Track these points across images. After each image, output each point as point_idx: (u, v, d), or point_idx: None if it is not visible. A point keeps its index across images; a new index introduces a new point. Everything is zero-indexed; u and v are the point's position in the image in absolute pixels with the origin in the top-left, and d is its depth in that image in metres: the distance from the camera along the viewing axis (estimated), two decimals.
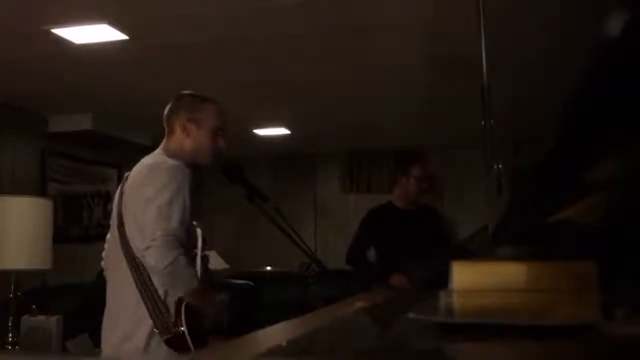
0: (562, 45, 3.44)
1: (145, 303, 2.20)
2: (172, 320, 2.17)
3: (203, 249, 2.42)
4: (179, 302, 2.18)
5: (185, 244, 2.21)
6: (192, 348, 2.15)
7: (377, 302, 1.44)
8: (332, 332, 0.91)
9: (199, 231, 2.37)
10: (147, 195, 2.21)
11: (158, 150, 2.41)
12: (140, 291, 2.20)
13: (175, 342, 2.16)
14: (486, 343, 0.67)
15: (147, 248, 2.14)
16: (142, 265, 2.19)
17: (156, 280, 2.20)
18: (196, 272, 2.23)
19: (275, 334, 0.89)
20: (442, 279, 0.97)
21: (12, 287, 3.30)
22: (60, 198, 5.46)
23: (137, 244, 2.18)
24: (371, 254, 4.21)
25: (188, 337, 2.15)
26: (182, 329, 2.15)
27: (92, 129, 5.30)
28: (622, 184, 0.64)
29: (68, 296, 4.57)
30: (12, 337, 3.24)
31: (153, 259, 2.13)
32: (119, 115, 5.44)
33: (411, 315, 0.76)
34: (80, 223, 5.74)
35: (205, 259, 2.39)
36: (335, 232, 6.98)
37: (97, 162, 5.99)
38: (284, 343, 0.76)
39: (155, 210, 2.16)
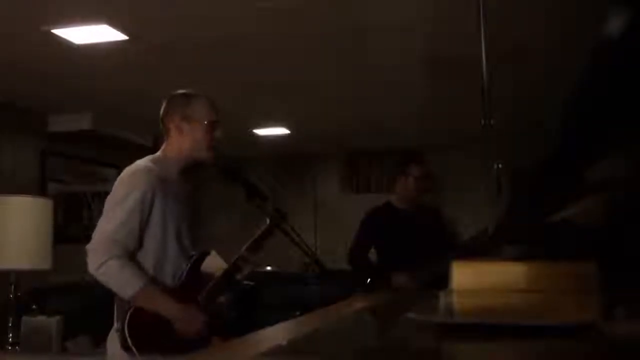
0: (562, 45, 3.45)
1: (116, 304, 2.23)
2: (120, 325, 2.17)
3: (201, 253, 2.41)
4: (128, 305, 2.17)
5: (132, 247, 2.20)
6: (134, 351, 2.12)
7: (377, 302, 1.45)
8: (332, 332, 0.91)
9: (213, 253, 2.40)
10: (108, 199, 2.29)
11: (155, 154, 2.42)
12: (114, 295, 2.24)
13: (124, 347, 2.15)
14: (486, 343, 0.67)
15: (88, 251, 2.19)
16: None
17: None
18: (142, 274, 2.18)
19: (275, 334, 0.89)
20: (442, 280, 0.97)
21: (12, 287, 3.29)
22: (60, 198, 5.46)
23: None
24: (372, 254, 4.21)
25: (129, 343, 2.13)
26: (125, 333, 2.13)
27: (92, 128, 5.30)
28: (622, 184, 0.64)
29: (68, 296, 4.57)
30: (12, 337, 3.24)
31: (88, 261, 2.17)
32: (118, 115, 5.44)
33: (411, 315, 0.76)
34: (80, 223, 5.74)
35: (197, 260, 2.37)
36: (335, 232, 6.97)
37: (97, 162, 5.99)
38: (284, 343, 0.76)
39: (103, 214, 2.23)
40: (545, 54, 3.75)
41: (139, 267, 2.21)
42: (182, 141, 2.36)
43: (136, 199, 2.20)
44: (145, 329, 2.17)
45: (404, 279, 3.85)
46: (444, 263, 1.04)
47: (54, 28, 3.40)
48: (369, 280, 4.10)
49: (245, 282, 5.64)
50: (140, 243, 2.23)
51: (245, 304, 5.35)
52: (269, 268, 6.71)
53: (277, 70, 4.27)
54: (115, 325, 2.23)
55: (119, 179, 2.30)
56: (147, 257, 2.25)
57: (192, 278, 2.33)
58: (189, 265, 2.33)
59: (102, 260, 2.12)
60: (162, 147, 2.42)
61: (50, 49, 3.70)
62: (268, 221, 2.46)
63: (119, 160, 6.16)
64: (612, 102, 0.46)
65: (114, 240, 2.15)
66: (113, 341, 2.24)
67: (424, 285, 3.66)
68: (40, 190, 5.24)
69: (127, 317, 2.14)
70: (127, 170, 2.30)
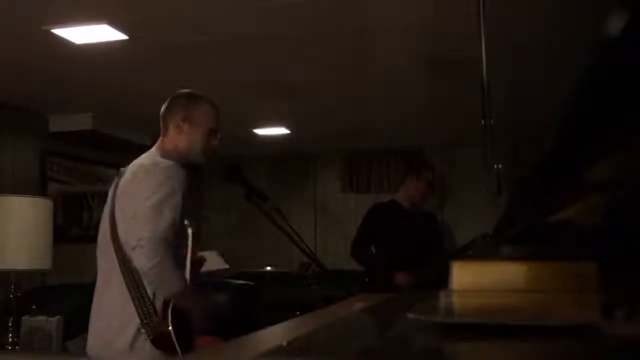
0: (563, 45, 3.45)
1: (134, 302, 2.21)
2: (159, 320, 2.17)
3: (195, 250, 2.42)
4: (167, 302, 2.19)
5: (175, 246, 2.22)
6: (177, 349, 2.15)
7: (377, 302, 1.45)
8: (332, 332, 0.91)
9: (189, 231, 2.37)
10: (140, 195, 2.22)
11: (153, 150, 2.41)
12: (130, 290, 2.21)
13: (161, 343, 2.16)
14: (486, 343, 0.67)
15: (134, 248, 2.15)
16: (134, 265, 2.19)
17: (145, 281, 2.21)
18: (183, 274, 2.23)
19: (275, 334, 0.89)
20: (442, 281, 0.97)
21: (12, 287, 3.29)
22: (60, 198, 5.46)
23: (127, 243, 2.19)
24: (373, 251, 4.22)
25: (174, 337, 2.15)
26: (169, 329, 2.16)
27: (92, 128, 5.30)
28: (622, 184, 0.64)
29: (68, 296, 4.56)
30: (12, 337, 3.24)
31: (139, 259, 2.15)
32: (119, 115, 5.44)
33: (411, 315, 0.76)
34: (80, 223, 5.74)
35: (197, 260, 2.39)
36: (335, 232, 6.98)
37: (97, 162, 5.99)
38: (284, 343, 0.75)
39: (146, 211, 2.18)
40: (546, 54, 3.75)
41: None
42: (179, 140, 2.37)
43: (180, 198, 2.23)
44: (182, 325, 2.22)
45: (407, 278, 3.86)
46: (443, 265, 1.04)
47: (54, 28, 3.40)
48: (367, 279, 4.11)
49: (245, 282, 5.64)
50: None
51: (245, 304, 5.35)
52: (269, 268, 6.70)
53: (277, 70, 4.27)
54: (120, 324, 2.22)
55: (151, 174, 2.25)
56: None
57: (198, 277, 2.37)
58: (196, 265, 2.36)
59: (157, 259, 2.13)
60: (157, 144, 2.42)
61: (50, 49, 3.70)
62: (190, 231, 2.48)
63: (119, 160, 6.16)
64: (612, 102, 0.46)
65: (164, 239, 2.16)
66: (115, 341, 2.23)
67: (424, 286, 3.67)
68: (40, 190, 5.24)
69: (170, 313, 2.18)
70: (159, 166, 2.27)
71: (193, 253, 2.38)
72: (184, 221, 2.30)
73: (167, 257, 2.14)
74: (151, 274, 2.15)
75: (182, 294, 2.20)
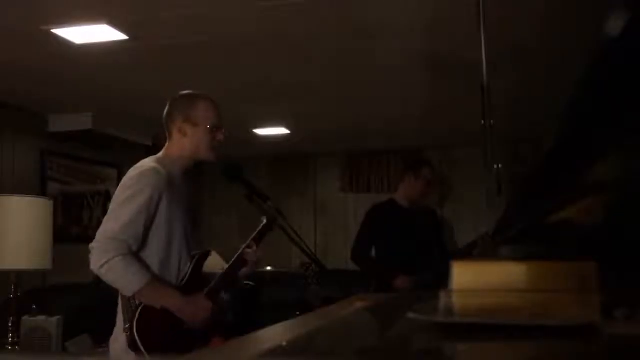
0: (563, 45, 3.45)
1: (122, 304, 2.23)
2: (129, 322, 2.18)
3: (203, 253, 2.41)
4: (137, 306, 2.18)
5: (136, 246, 2.21)
6: (142, 351, 2.13)
7: (377, 302, 1.45)
8: (332, 332, 0.91)
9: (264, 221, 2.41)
10: (113, 197, 2.29)
11: (157, 155, 2.41)
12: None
13: (132, 347, 2.16)
14: (486, 343, 0.67)
15: (91, 249, 2.19)
16: None
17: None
18: (142, 271, 2.18)
19: (275, 334, 0.89)
20: (442, 283, 0.97)
21: (12, 287, 3.29)
22: (60, 198, 5.46)
23: None
24: (373, 252, 4.22)
25: (139, 343, 2.14)
26: (134, 332, 2.15)
27: (92, 128, 5.30)
28: (622, 184, 0.64)
29: (68, 296, 4.56)
30: (12, 337, 3.24)
31: (91, 261, 2.17)
32: (118, 115, 5.43)
33: (411, 315, 0.76)
34: (80, 223, 5.74)
35: (199, 259, 2.38)
36: (335, 232, 6.98)
37: (97, 162, 5.98)
38: (284, 343, 0.76)
39: (109, 213, 2.24)
40: (545, 54, 3.75)
41: (144, 264, 2.21)
42: (185, 143, 2.37)
43: (144, 200, 2.21)
44: (154, 328, 2.19)
45: (407, 281, 3.86)
46: (443, 267, 1.04)
47: (54, 28, 3.40)
48: (368, 280, 4.11)
49: (245, 282, 5.64)
50: (144, 243, 2.23)
51: (245, 304, 5.35)
52: (269, 268, 6.70)
53: (277, 70, 4.27)
54: (122, 325, 2.23)
55: (126, 178, 2.29)
56: (152, 258, 2.26)
57: (195, 278, 2.34)
58: (192, 265, 2.34)
59: (107, 258, 2.13)
60: (165, 148, 2.43)
61: (50, 49, 3.70)
62: (265, 220, 2.47)
63: (119, 160, 6.18)
64: (612, 102, 0.46)
65: (119, 240, 2.16)
66: (117, 342, 2.25)
67: (424, 287, 3.67)
68: (40, 190, 5.24)
69: (136, 316, 2.15)
70: (135, 170, 2.29)
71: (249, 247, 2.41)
72: (172, 220, 2.28)
73: (119, 256, 2.14)
74: (103, 272, 2.16)
75: (145, 291, 2.17)
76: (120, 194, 2.25)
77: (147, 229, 2.23)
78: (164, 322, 2.20)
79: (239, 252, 2.44)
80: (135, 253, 2.21)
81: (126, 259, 2.15)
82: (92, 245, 2.18)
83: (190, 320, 2.24)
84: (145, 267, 2.22)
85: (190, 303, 2.26)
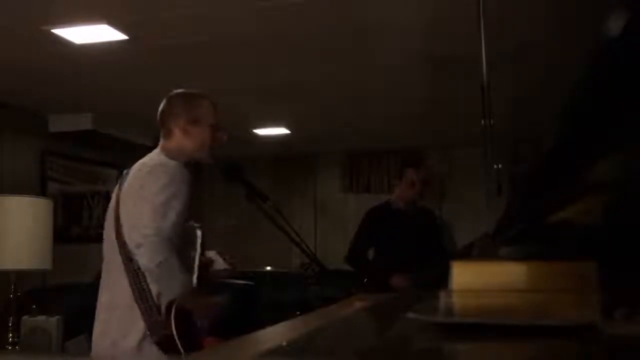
0: (562, 45, 3.45)
1: (139, 304, 2.20)
2: (163, 322, 2.17)
3: (202, 252, 2.41)
4: (170, 304, 2.18)
5: (178, 246, 2.22)
6: (181, 351, 2.14)
7: (377, 302, 1.45)
8: (332, 332, 0.91)
9: (198, 233, 2.37)
10: (145, 194, 2.20)
11: (157, 151, 2.40)
12: (134, 291, 2.20)
13: (164, 344, 2.16)
14: (486, 343, 0.67)
15: (139, 246, 2.13)
16: (138, 265, 2.18)
17: (150, 281, 2.20)
18: (190, 275, 2.22)
19: (275, 334, 0.89)
20: (441, 282, 0.97)
21: (12, 287, 3.29)
22: (60, 198, 5.46)
23: (132, 242, 2.18)
24: (371, 254, 4.21)
25: (177, 339, 2.14)
26: (173, 331, 2.15)
27: (92, 128, 5.30)
28: (622, 184, 0.64)
29: (68, 296, 4.56)
30: (12, 337, 3.24)
31: (144, 257, 2.13)
32: (119, 115, 5.44)
33: (411, 315, 0.76)
34: (80, 223, 5.74)
35: (205, 262, 2.38)
36: (335, 232, 6.98)
37: (97, 162, 5.99)
38: (284, 343, 0.76)
39: (151, 209, 2.16)
40: (545, 54, 3.75)
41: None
42: (186, 142, 2.37)
43: (186, 198, 2.22)
44: (185, 325, 2.20)
45: (404, 280, 3.86)
46: (440, 266, 1.04)
47: (54, 28, 3.40)
48: (365, 280, 4.11)
49: (245, 282, 5.64)
50: None
51: (245, 304, 5.35)
52: (269, 268, 6.70)
53: (277, 70, 4.27)
54: (130, 326, 2.21)
55: (156, 171, 2.24)
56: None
57: (202, 278, 2.36)
58: (203, 266, 2.36)
59: (163, 257, 2.12)
60: (161, 145, 2.41)
61: (50, 49, 3.70)
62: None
63: (119, 160, 6.17)
64: (612, 102, 0.46)
65: (169, 239, 2.15)
66: (124, 340, 2.22)
67: (422, 286, 3.66)
68: (40, 190, 5.24)
69: (173, 314, 2.16)
70: (164, 166, 2.27)
71: (201, 254, 2.38)
72: (191, 221, 2.30)
73: (172, 257, 2.14)
74: (156, 273, 2.14)
75: (186, 295, 2.19)
76: (158, 190, 2.19)
77: None
78: (190, 320, 2.23)
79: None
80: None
81: (178, 260, 2.16)
82: (141, 241, 2.13)
83: (204, 319, 2.28)
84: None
85: (210, 304, 2.33)
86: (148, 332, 2.18)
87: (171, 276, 2.16)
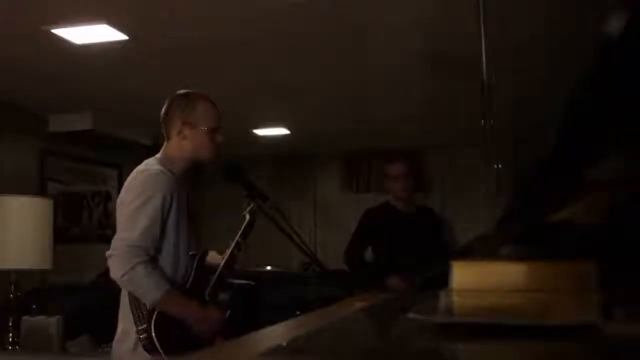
0: (563, 45, 3.45)
1: (132, 310, 2.22)
2: (145, 328, 2.17)
3: (203, 252, 2.41)
4: (151, 311, 2.18)
5: (173, 246, 2.22)
6: (160, 352, 2.14)
7: (377, 302, 1.45)
8: (332, 332, 0.91)
9: (247, 217, 2.43)
10: (122, 202, 2.26)
11: (157, 155, 2.41)
12: (129, 297, 2.22)
13: (148, 348, 2.16)
14: (486, 343, 0.67)
15: (109, 257, 2.18)
16: None
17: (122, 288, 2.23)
18: (162, 280, 2.18)
19: (275, 334, 0.89)
20: (440, 283, 0.96)
21: (12, 287, 3.29)
22: (60, 198, 5.45)
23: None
24: (369, 254, 4.21)
25: (157, 343, 2.14)
26: (152, 334, 2.15)
27: (92, 128, 5.30)
28: (622, 183, 0.64)
29: (68, 296, 4.56)
30: (12, 337, 3.24)
31: (112, 268, 2.17)
32: (118, 115, 5.44)
33: (411, 315, 0.76)
34: (80, 223, 5.74)
35: (200, 260, 2.38)
36: (335, 232, 6.96)
37: (97, 162, 5.99)
38: (284, 343, 0.76)
39: (125, 219, 2.22)
40: (545, 54, 3.75)
41: (162, 271, 2.23)
42: (185, 144, 2.36)
43: (158, 204, 2.20)
44: (170, 330, 2.20)
45: (401, 281, 3.85)
46: (440, 266, 1.04)
47: (54, 28, 3.40)
48: (360, 281, 4.10)
49: (245, 282, 5.64)
50: (158, 248, 2.23)
51: (245, 304, 5.35)
52: (269, 268, 6.70)
53: (277, 70, 4.27)
54: (128, 326, 2.22)
55: (133, 182, 2.27)
56: (164, 261, 2.26)
57: (198, 279, 2.35)
58: (195, 265, 2.35)
59: (128, 267, 2.13)
60: (163, 148, 2.42)
61: (50, 49, 3.70)
62: (248, 217, 2.49)
63: (119, 160, 6.18)
64: (612, 102, 0.46)
65: (138, 247, 2.15)
66: (123, 343, 2.24)
67: (421, 286, 3.66)
68: (40, 190, 5.24)
69: (154, 319, 2.15)
70: (142, 174, 2.27)
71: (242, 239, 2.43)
72: (179, 222, 2.28)
73: (139, 265, 2.13)
74: (122, 282, 2.17)
75: (166, 301, 2.17)
76: (131, 199, 2.22)
77: (161, 233, 2.23)
78: (179, 324, 2.21)
79: (229, 251, 2.44)
80: (154, 258, 2.21)
81: (147, 267, 2.15)
82: (110, 253, 2.17)
83: (201, 329, 2.25)
84: (164, 275, 2.22)
85: (203, 313, 2.28)
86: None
87: (139, 284, 2.16)
